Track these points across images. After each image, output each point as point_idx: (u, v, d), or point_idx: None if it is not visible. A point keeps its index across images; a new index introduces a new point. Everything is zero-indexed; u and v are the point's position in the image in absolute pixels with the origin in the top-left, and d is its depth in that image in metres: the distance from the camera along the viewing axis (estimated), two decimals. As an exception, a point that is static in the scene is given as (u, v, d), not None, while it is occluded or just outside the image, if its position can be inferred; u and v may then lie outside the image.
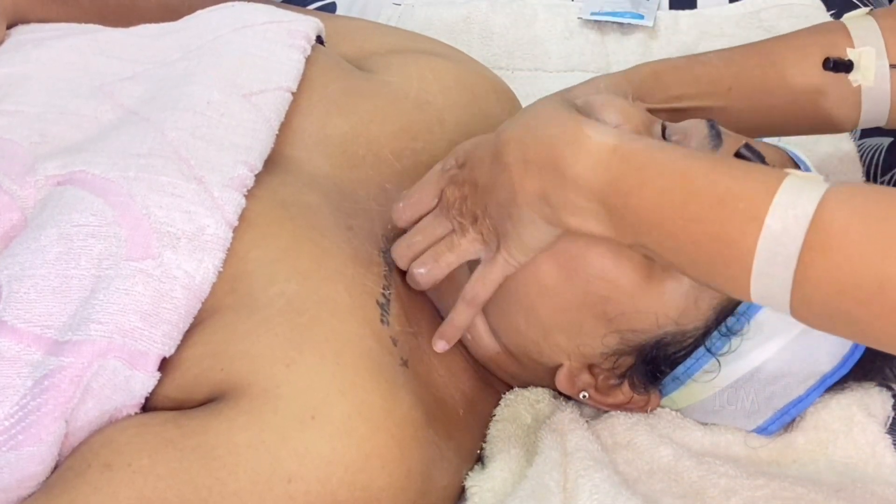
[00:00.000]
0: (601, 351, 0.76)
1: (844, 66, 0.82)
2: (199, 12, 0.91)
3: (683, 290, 0.72)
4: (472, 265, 0.76)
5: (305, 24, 0.89)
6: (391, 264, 0.78)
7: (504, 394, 0.83)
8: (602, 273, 0.72)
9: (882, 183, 1.06)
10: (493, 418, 0.80)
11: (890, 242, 0.52)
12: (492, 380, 0.83)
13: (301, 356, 0.67)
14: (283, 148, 0.80)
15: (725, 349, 0.74)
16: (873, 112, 0.84)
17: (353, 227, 0.78)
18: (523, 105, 1.00)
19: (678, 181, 0.60)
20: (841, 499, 0.71)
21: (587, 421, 0.80)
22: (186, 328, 0.68)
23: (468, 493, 0.74)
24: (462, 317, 0.76)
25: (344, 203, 0.80)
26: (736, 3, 1.37)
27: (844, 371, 0.76)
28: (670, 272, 0.72)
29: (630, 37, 1.32)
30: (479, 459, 0.78)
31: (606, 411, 0.81)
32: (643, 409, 0.80)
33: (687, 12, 1.37)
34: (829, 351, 0.75)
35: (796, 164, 0.78)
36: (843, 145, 1.10)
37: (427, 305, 0.80)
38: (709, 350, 0.74)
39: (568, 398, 0.83)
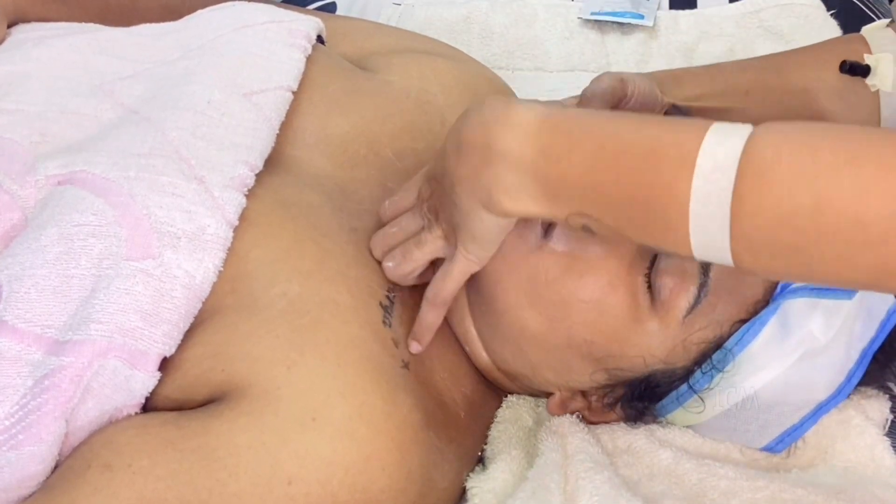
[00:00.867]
0: (591, 385, 0.77)
1: (861, 70, 0.81)
2: (199, 12, 0.91)
3: (671, 331, 0.72)
4: None
5: (306, 24, 0.89)
6: None
7: (506, 396, 0.83)
8: (585, 320, 0.72)
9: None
10: (495, 420, 0.80)
11: (822, 164, 0.52)
12: (492, 384, 0.83)
13: (302, 358, 0.67)
14: (283, 147, 0.80)
15: (708, 386, 0.73)
16: (892, 119, 0.83)
17: (357, 229, 0.77)
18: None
19: (607, 139, 0.59)
20: (841, 501, 0.71)
21: (587, 425, 0.81)
22: (187, 328, 0.68)
23: (469, 493, 0.74)
24: (428, 316, 0.74)
25: (347, 204, 0.79)
26: (736, 3, 1.37)
27: (842, 399, 0.75)
28: (656, 314, 0.72)
29: (630, 37, 1.32)
30: (480, 461, 0.78)
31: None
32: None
33: (687, 12, 1.37)
34: (826, 379, 0.74)
35: None
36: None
37: None
38: (691, 387, 0.74)
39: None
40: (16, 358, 0.64)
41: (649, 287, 0.72)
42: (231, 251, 0.70)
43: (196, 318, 0.68)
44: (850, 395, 0.76)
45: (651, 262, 0.72)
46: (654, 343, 0.73)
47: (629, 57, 1.29)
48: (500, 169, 0.63)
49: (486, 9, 1.35)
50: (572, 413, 0.80)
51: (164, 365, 0.67)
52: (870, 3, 1.33)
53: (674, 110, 0.66)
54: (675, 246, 0.58)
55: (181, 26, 0.90)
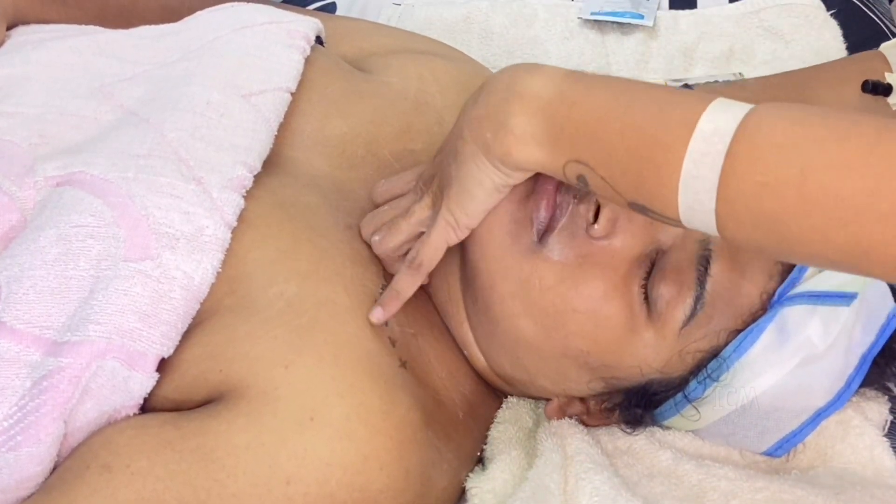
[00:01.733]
0: (588, 393, 0.77)
1: (883, 89, 0.81)
2: (199, 13, 0.91)
3: (667, 342, 0.72)
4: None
5: (305, 25, 0.89)
6: None
7: (506, 397, 0.83)
8: (581, 330, 0.72)
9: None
10: (495, 420, 0.80)
11: (812, 138, 0.53)
12: (492, 386, 0.83)
13: (300, 358, 0.67)
14: (281, 148, 0.80)
15: (703, 395, 0.74)
16: None
17: (352, 227, 0.78)
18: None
19: (622, 93, 0.62)
20: (840, 502, 0.71)
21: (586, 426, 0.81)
22: (185, 329, 0.68)
23: (469, 494, 0.74)
24: (401, 281, 0.74)
25: (343, 202, 0.79)
26: (736, 3, 1.37)
27: (841, 405, 0.75)
28: (653, 325, 0.72)
29: (630, 37, 1.32)
30: (480, 461, 0.78)
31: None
32: None
33: (687, 12, 1.36)
34: (825, 386, 0.74)
35: None
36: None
37: (427, 306, 0.80)
38: (686, 396, 0.74)
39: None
40: (14, 359, 0.64)
41: (646, 298, 0.72)
42: (229, 252, 0.70)
43: (194, 318, 0.68)
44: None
45: (647, 273, 0.72)
46: (650, 353, 0.73)
47: (629, 57, 1.29)
48: (514, 107, 0.65)
49: (486, 9, 1.35)
50: (570, 417, 0.80)
51: (163, 366, 0.67)
52: (870, 3, 1.32)
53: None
54: (663, 206, 0.59)
55: (180, 28, 0.90)
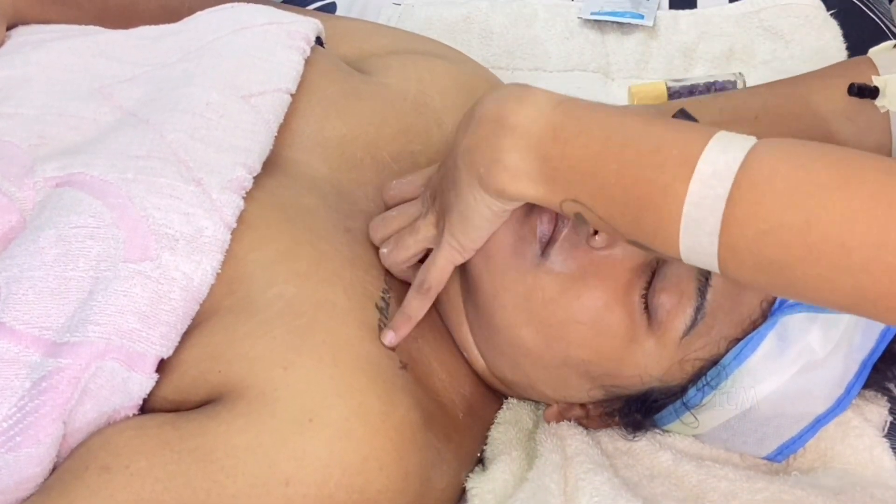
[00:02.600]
0: (588, 400, 0.77)
1: (870, 92, 0.81)
2: (198, 14, 0.91)
3: (667, 351, 0.72)
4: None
5: (305, 26, 0.89)
6: None
7: (506, 398, 0.83)
8: (582, 340, 0.72)
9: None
10: (495, 421, 0.80)
11: (815, 185, 0.52)
12: (492, 388, 0.83)
13: (299, 359, 0.67)
14: (281, 150, 0.80)
15: (701, 403, 0.74)
16: None
17: (351, 230, 0.77)
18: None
19: (615, 130, 0.60)
20: (841, 502, 0.71)
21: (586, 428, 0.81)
22: (184, 330, 0.68)
23: (469, 494, 0.74)
24: (412, 304, 0.74)
25: (342, 205, 0.79)
26: (736, 3, 1.36)
27: (840, 412, 0.75)
28: (653, 334, 0.72)
29: (630, 37, 1.32)
30: (480, 461, 0.78)
31: None
32: None
33: (687, 12, 1.36)
34: (824, 392, 0.74)
35: None
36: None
37: (428, 313, 0.79)
38: (684, 404, 0.74)
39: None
40: (14, 360, 0.64)
41: (646, 307, 0.71)
42: (228, 253, 0.70)
43: (193, 319, 0.68)
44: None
45: (648, 283, 0.71)
46: (650, 362, 0.73)
47: (629, 57, 1.29)
48: (506, 142, 0.64)
49: (486, 9, 1.35)
50: (570, 420, 0.80)
51: (162, 366, 0.67)
52: (870, 3, 1.32)
53: (681, 115, 0.66)
54: (664, 246, 0.58)
55: (180, 28, 0.90)
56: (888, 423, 0.80)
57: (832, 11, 1.31)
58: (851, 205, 0.51)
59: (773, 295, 0.72)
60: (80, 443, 0.66)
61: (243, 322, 0.68)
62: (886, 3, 1.38)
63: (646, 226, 0.59)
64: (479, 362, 0.79)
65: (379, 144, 0.85)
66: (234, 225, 0.71)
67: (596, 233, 0.70)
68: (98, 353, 0.65)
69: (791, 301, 0.72)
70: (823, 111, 0.84)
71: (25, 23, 0.93)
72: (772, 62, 1.25)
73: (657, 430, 0.79)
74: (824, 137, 0.84)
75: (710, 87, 1.16)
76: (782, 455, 0.77)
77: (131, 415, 0.67)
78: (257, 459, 0.64)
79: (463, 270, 0.76)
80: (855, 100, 0.81)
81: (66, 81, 0.83)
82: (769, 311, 0.73)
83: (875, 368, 0.75)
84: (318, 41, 0.92)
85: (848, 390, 0.74)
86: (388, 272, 0.77)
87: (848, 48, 1.25)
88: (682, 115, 0.66)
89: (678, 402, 0.74)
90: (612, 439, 0.80)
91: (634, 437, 0.79)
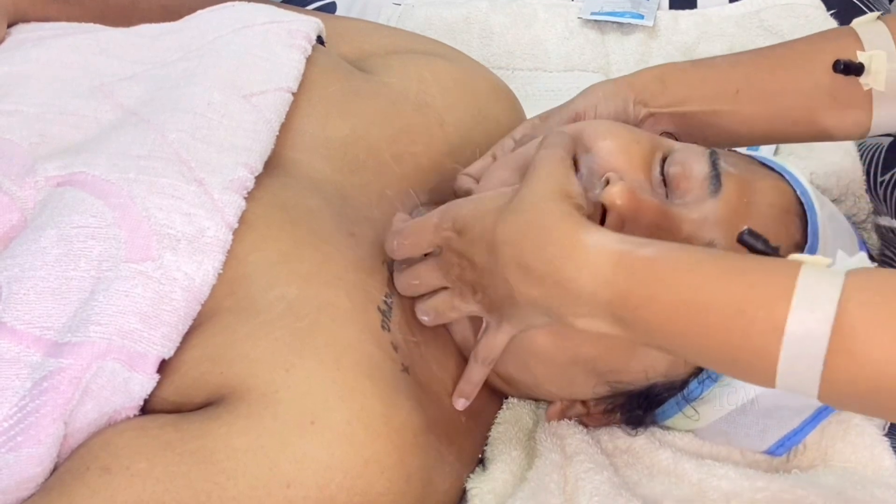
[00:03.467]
0: (592, 397, 0.77)
1: (855, 69, 0.80)
2: (199, 12, 0.90)
3: None
4: None
5: (306, 25, 0.89)
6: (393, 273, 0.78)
7: (506, 398, 0.83)
8: (593, 339, 0.71)
9: (881, 183, 1.06)
10: (495, 420, 0.80)
11: None
12: (494, 388, 0.83)
13: (301, 361, 0.67)
14: (283, 149, 0.80)
15: (702, 395, 0.74)
16: (886, 117, 0.82)
17: (355, 234, 0.77)
18: (523, 105, 1.00)
19: (689, 294, 0.58)
20: (841, 502, 0.71)
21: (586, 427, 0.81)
22: (185, 330, 0.68)
23: (469, 494, 0.74)
24: (476, 375, 0.75)
25: (346, 209, 0.79)
26: (736, 3, 1.37)
27: None
28: None
29: (630, 37, 1.32)
30: (480, 461, 0.78)
31: None
32: None
33: (687, 12, 1.37)
34: None
35: (798, 198, 0.77)
36: (843, 144, 1.10)
37: None
38: (685, 397, 0.74)
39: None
40: (15, 359, 0.64)
41: None
42: (230, 254, 0.70)
43: (195, 320, 0.68)
44: None
45: None
46: (656, 357, 0.72)
47: (629, 57, 1.29)
48: (574, 305, 0.62)
49: (486, 9, 1.35)
50: (571, 419, 0.80)
51: (163, 367, 0.67)
52: (870, 3, 1.32)
53: (749, 237, 0.64)
54: (759, 384, 0.58)
55: (181, 27, 0.89)
56: (888, 422, 0.80)
57: (832, 11, 1.31)
58: None
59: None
60: (80, 443, 0.65)
61: (245, 323, 0.68)
62: (886, 3, 1.38)
63: (738, 375, 0.60)
64: (491, 371, 0.79)
65: (381, 145, 0.85)
66: (236, 225, 0.71)
67: (603, 222, 0.70)
68: (99, 354, 0.65)
69: None
70: (806, 87, 0.83)
71: (26, 20, 0.93)
72: (772, 62, 1.25)
73: (657, 428, 0.80)
74: (806, 115, 0.84)
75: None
76: (784, 447, 0.77)
77: (132, 415, 0.66)
78: (258, 461, 0.63)
79: None
80: (838, 76, 0.81)
81: (66, 79, 0.82)
82: None
83: None
84: (319, 40, 0.92)
85: None
86: (391, 278, 0.77)
87: (848, 48, 1.25)
88: (750, 236, 0.64)
89: (679, 396, 0.75)
90: (612, 437, 0.80)
91: (636, 432, 0.79)
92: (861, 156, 1.09)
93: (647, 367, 0.73)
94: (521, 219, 0.65)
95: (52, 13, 0.94)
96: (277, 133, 0.79)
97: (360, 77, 0.91)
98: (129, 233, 0.68)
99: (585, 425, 0.81)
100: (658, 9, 1.36)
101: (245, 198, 0.73)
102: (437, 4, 1.36)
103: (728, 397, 0.74)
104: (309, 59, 0.86)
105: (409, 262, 0.75)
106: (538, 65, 1.30)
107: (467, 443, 0.77)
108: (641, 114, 0.85)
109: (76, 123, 0.78)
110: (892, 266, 0.94)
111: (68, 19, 0.94)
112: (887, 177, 1.06)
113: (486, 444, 0.79)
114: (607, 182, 0.69)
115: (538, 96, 1.02)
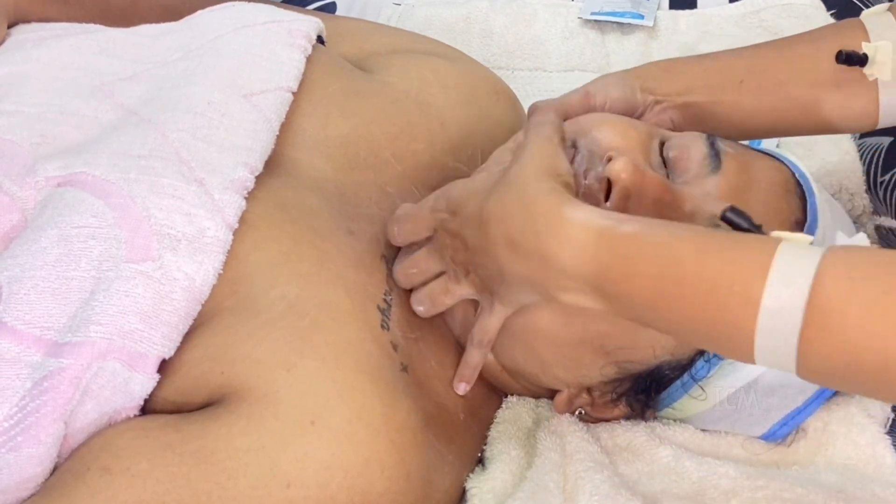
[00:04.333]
0: (600, 380, 0.77)
1: (858, 60, 0.79)
2: (199, 12, 0.91)
3: None
4: None
5: (306, 24, 0.89)
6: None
7: (506, 397, 0.83)
8: (601, 314, 0.70)
9: (881, 183, 1.06)
10: (495, 420, 0.80)
11: (890, 324, 0.52)
12: (494, 385, 0.83)
13: (301, 360, 0.67)
14: (283, 149, 0.80)
15: (709, 374, 0.74)
16: (892, 108, 0.82)
17: (354, 232, 0.77)
18: (524, 106, 1.00)
19: (668, 268, 0.59)
20: (841, 500, 0.71)
21: (586, 424, 0.81)
22: (186, 330, 0.68)
23: (468, 494, 0.74)
24: (474, 358, 0.76)
25: (345, 207, 0.79)
26: (736, 3, 1.37)
27: None
28: None
29: (630, 37, 1.32)
30: (480, 461, 0.78)
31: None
32: (640, 418, 0.81)
33: (687, 12, 1.37)
34: None
35: (798, 181, 0.77)
36: (843, 144, 1.10)
37: None
38: (693, 377, 0.75)
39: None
40: (15, 359, 0.64)
41: None
42: (230, 254, 0.70)
43: (195, 320, 0.68)
44: None
45: None
46: (663, 335, 0.72)
47: (629, 57, 1.29)
48: (559, 279, 0.64)
49: (486, 9, 1.35)
50: (574, 412, 0.80)
51: (163, 367, 0.67)
52: (870, 3, 1.32)
53: (731, 213, 0.64)
54: (739, 360, 0.59)
55: (181, 27, 0.90)
56: (891, 420, 0.80)
57: (832, 11, 1.31)
58: None
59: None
60: (80, 443, 0.65)
61: (245, 323, 0.68)
62: (887, 2, 1.38)
63: (717, 349, 0.62)
64: (493, 363, 0.79)
65: (382, 143, 0.85)
66: (236, 225, 0.71)
67: (607, 199, 0.70)
68: (99, 354, 0.65)
69: None
70: (810, 78, 0.83)
71: (26, 20, 0.93)
72: (772, 62, 1.25)
73: (658, 423, 0.80)
74: (809, 104, 0.84)
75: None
76: (787, 427, 0.77)
77: (132, 416, 0.66)
78: (259, 461, 0.64)
79: None
80: (843, 67, 0.80)
81: (67, 79, 0.83)
82: None
83: None
84: (320, 40, 0.92)
85: None
86: (390, 275, 0.77)
87: (848, 48, 1.25)
88: (733, 213, 0.64)
89: (685, 376, 0.75)
90: (612, 435, 0.80)
91: (644, 415, 0.79)
92: (861, 156, 1.09)
93: (654, 344, 0.73)
94: (508, 196, 0.66)
95: (53, 13, 0.95)
96: (277, 133, 0.79)
97: (360, 76, 0.91)
98: (129, 233, 0.68)
99: (590, 417, 0.80)
100: (658, 9, 1.36)
101: (245, 198, 0.73)
102: (437, 4, 1.36)
103: (733, 376, 0.74)
104: (309, 59, 0.86)
105: (409, 253, 0.77)
106: (538, 65, 1.30)
107: (467, 442, 0.77)
108: (648, 100, 0.85)
109: (77, 123, 0.78)
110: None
111: (69, 20, 0.94)
112: (887, 177, 1.05)
113: (485, 444, 0.79)
114: (609, 160, 0.71)
115: (538, 96, 1.02)
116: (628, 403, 0.79)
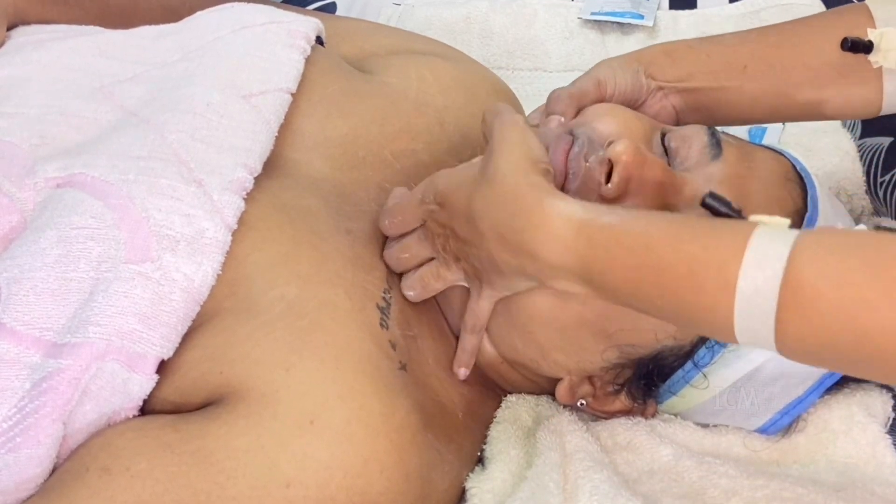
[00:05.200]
0: (601, 365, 0.77)
1: (864, 47, 0.79)
2: (199, 13, 0.91)
3: None
4: None
5: (305, 25, 0.89)
6: None
7: (505, 396, 0.83)
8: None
9: (882, 183, 1.05)
10: (494, 420, 0.80)
11: (862, 301, 0.53)
12: (493, 384, 0.83)
13: (300, 360, 0.67)
14: (282, 150, 0.80)
15: (711, 361, 0.74)
16: None
17: (352, 231, 0.77)
18: (523, 105, 1.00)
19: (646, 257, 0.60)
20: (841, 499, 0.71)
21: (587, 423, 0.80)
22: (185, 331, 0.68)
23: (468, 494, 0.74)
24: (469, 343, 0.77)
25: (344, 206, 0.79)
26: (736, 3, 1.37)
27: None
28: None
29: (630, 37, 1.32)
30: (480, 461, 0.78)
31: (605, 418, 0.81)
32: (641, 415, 0.80)
33: (687, 12, 1.37)
34: None
35: (798, 172, 0.77)
36: (843, 145, 1.10)
37: (428, 309, 0.80)
38: (696, 364, 0.75)
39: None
40: (14, 360, 0.64)
41: None
42: (229, 255, 0.70)
43: (194, 321, 0.68)
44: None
45: None
46: None
47: (629, 57, 1.29)
48: (544, 270, 0.66)
49: (486, 9, 1.35)
50: (578, 401, 0.80)
51: (162, 368, 0.67)
52: (870, 2, 1.32)
53: (711, 199, 0.66)
54: (726, 340, 0.62)
55: (180, 28, 0.90)
56: (891, 419, 0.80)
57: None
58: None
59: None
60: (80, 444, 0.65)
61: (244, 323, 0.68)
62: (886, 2, 1.38)
63: (700, 331, 0.65)
64: (487, 349, 0.79)
65: (381, 143, 0.85)
66: (235, 226, 0.71)
67: (608, 182, 0.71)
68: (98, 354, 0.65)
69: None
70: (814, 64, 0.82)
71: (26, 22, 0.94)
72: (772, 62, 1.25)
73: (659, 421, 0.79)
74: (814, 94, 0.83)
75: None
76: (789, 416, 0.77)
77: (132, 416, 0.67)
78: (258, 461, 0.64)
79: None
80: (848, 54, 0.80)
81: (66, 81, 0.83)
82: None
83: None
84: (319, 40, 0.92)
85: None
86: (389, 272, 0.77)
87: (848, 48, 1.25)
88: (712, 199, 0.66)
89: (688, 364, 0.75)
90: (612, 434, 0.79)
91: (645, 410, 0.80)
92: (861, 156, 1.09)
93: (656, 327, 0.73)
94: (492, 191, 0.68)
95: (52, 15, 0.95)
96: (276, 133, 0.79)
97: (359, 77, 0.91)
98: (128, 234, 0.69)
99: (592, 409, 0.80)
100: (658, 9, 1.36)
101: (244, 198, 0.73)
102: (437, 4, 1.37)
103: (736, 364, 0.74)
104: (308, 60, 0.86)
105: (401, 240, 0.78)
106: (538, 65, 1.30)
107: (466, 441, 0.77)
108: (651, 86, 0.85)
109: (76, 125, 0.79)
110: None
111: (68, 21, 0.94)
112: (887, 177, 1.05)
113: (484, 443, 0.78)
114: (611, 144, 0.72)
115: (538, 96, 1.02)
116: (630, 394, 0.78)
